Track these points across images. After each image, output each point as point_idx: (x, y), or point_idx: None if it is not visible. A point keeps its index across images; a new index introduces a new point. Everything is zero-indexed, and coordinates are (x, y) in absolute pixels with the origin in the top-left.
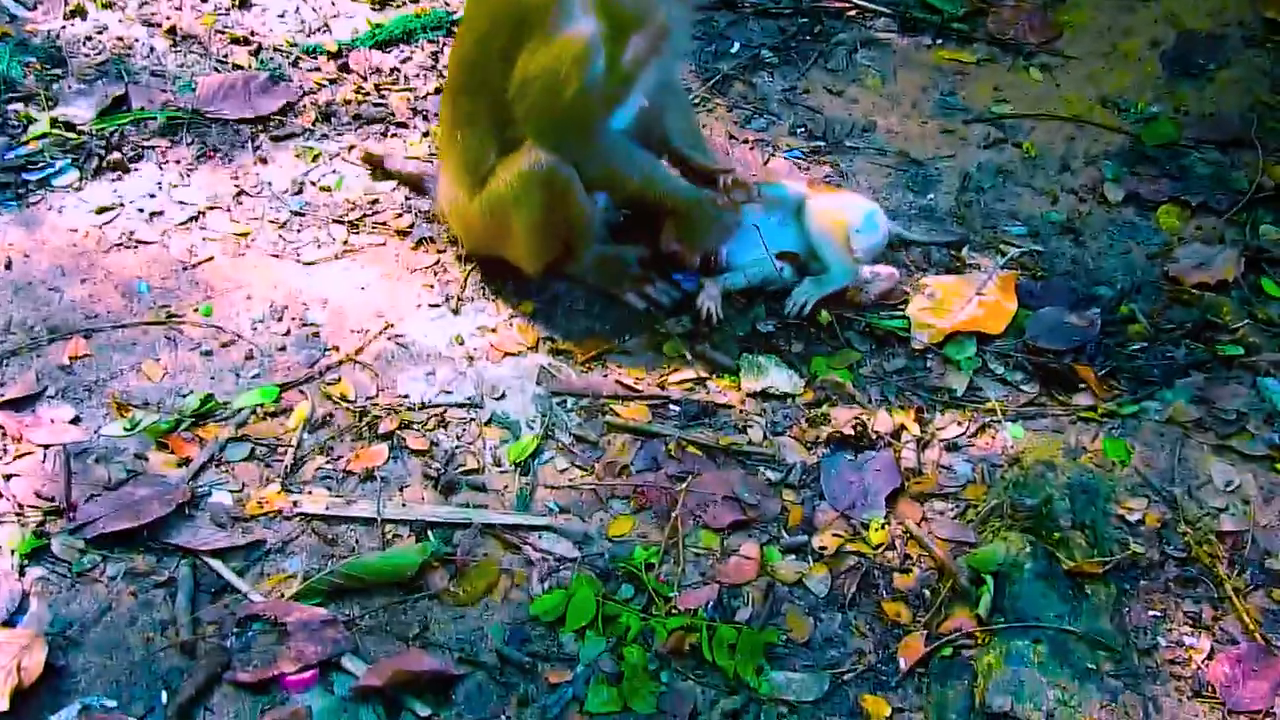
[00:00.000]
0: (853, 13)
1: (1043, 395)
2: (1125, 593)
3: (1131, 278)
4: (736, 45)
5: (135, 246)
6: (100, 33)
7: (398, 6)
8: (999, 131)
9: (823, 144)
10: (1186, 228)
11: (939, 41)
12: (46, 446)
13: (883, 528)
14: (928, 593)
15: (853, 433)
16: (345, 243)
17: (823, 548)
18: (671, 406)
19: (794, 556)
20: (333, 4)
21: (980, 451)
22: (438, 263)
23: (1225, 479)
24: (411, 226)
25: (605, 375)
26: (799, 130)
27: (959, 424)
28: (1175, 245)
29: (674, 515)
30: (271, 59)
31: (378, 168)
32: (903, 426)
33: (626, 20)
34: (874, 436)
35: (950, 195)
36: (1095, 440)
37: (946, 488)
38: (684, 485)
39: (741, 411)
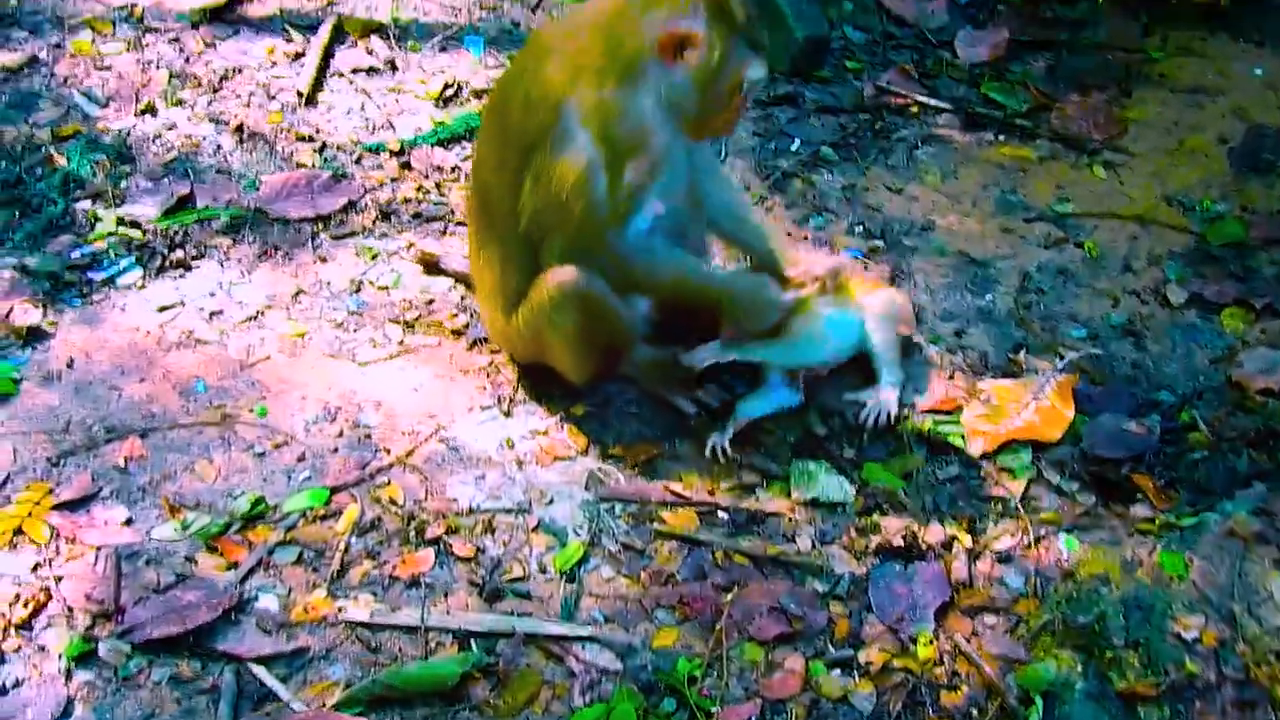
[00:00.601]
0: (914, 109)
1: (1099, 506)
2: (1179, 715)
3: (1194, 383)
4: (797, 142)
5: (194, 345)
6: (169, 130)
7: (461, 104)
8: (1060, 230)
9: (881, 243)
10: (1252, 331)
11: (1001, 138)
12: (99, 548)
13: (931, 642)
14: (975, 711)
15: (903, 543)
16: (401, 343)
17: (869, 662)
18: (720, 514)
19: (840, 671)
20: (397, 101)
21: (1033, 564)
22: (491, 364)
23: None
24: (466, 327)
25: (654, 481)
26: (857, 228)
27: (1012, 535)
28: (1240, 349)
29: (719, 627)
30: (335, 157)
31: (433, 267)
32: (954, 537)
33: (622, 147)
34: (924, 547)
35: (1010, 296)
36: (1152, 553)
37: (997, 601)
38: (730, 596)
39: (790, 520)
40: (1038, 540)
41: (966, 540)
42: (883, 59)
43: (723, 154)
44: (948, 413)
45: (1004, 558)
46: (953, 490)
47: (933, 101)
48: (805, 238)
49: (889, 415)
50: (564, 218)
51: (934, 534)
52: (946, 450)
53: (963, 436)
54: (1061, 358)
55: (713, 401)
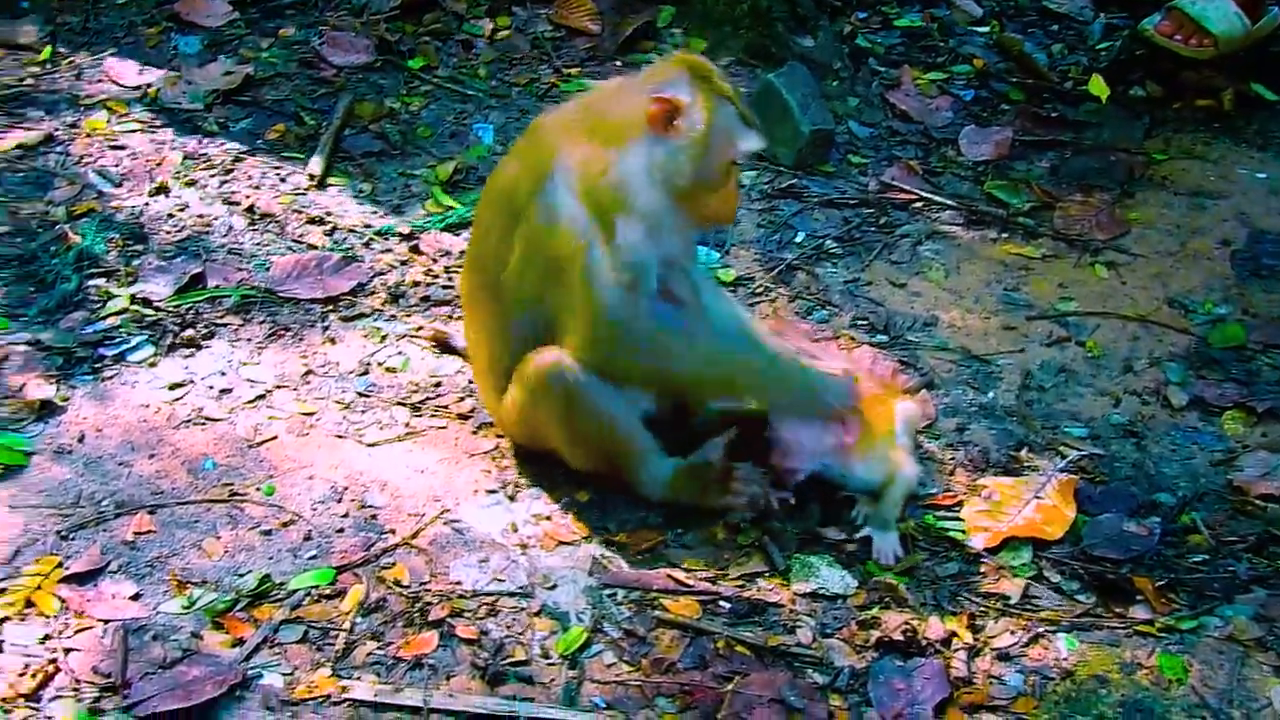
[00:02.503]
0: (919, 204)
1: (1099, 606)
2: None
3: (1194, 485)
4: (801, 235)
5: (204, 424)
6: (182, 210)
7: (469, 190)
8: (1062, 329)
9: (885, 337)
10: (1253, 435)
11: (1004, 235)
12: (106, 622)
13: None
14: None
15: (903, 638)
16: (407, 425)
17: None
18: (722, 603)
19: None
20: (407, 186)
21: (1033, 663)
22: (496, 448)
23: None
24: (472, 411)
25: (657, 568)
26: (860, 323)
27: (1012, 633)
28: (1240, 453)
29: (719, 717)
30: (345, 239)
31: (444, 345)
32: (954, 633)
33: (606, 201)
34: (925, 643)
35: (1011, 393)
36: (1151, 656)
37: (996, 700)
38: (731, 686)
39: (792, 611)
40: (1037, 639)
41: (967, 637)
42: (887, 154)
43: (726, 244)
44: (949, 508)
45: (1004, 655)
46: (953, 586)
47: (937, 198)
48: (808, 331)
49: (897, 556)
50: (563, 281)
51: (934, 630)
52: (948, 545)
53: (964, 532)
54: (1063, 457)
55: (757, 489)
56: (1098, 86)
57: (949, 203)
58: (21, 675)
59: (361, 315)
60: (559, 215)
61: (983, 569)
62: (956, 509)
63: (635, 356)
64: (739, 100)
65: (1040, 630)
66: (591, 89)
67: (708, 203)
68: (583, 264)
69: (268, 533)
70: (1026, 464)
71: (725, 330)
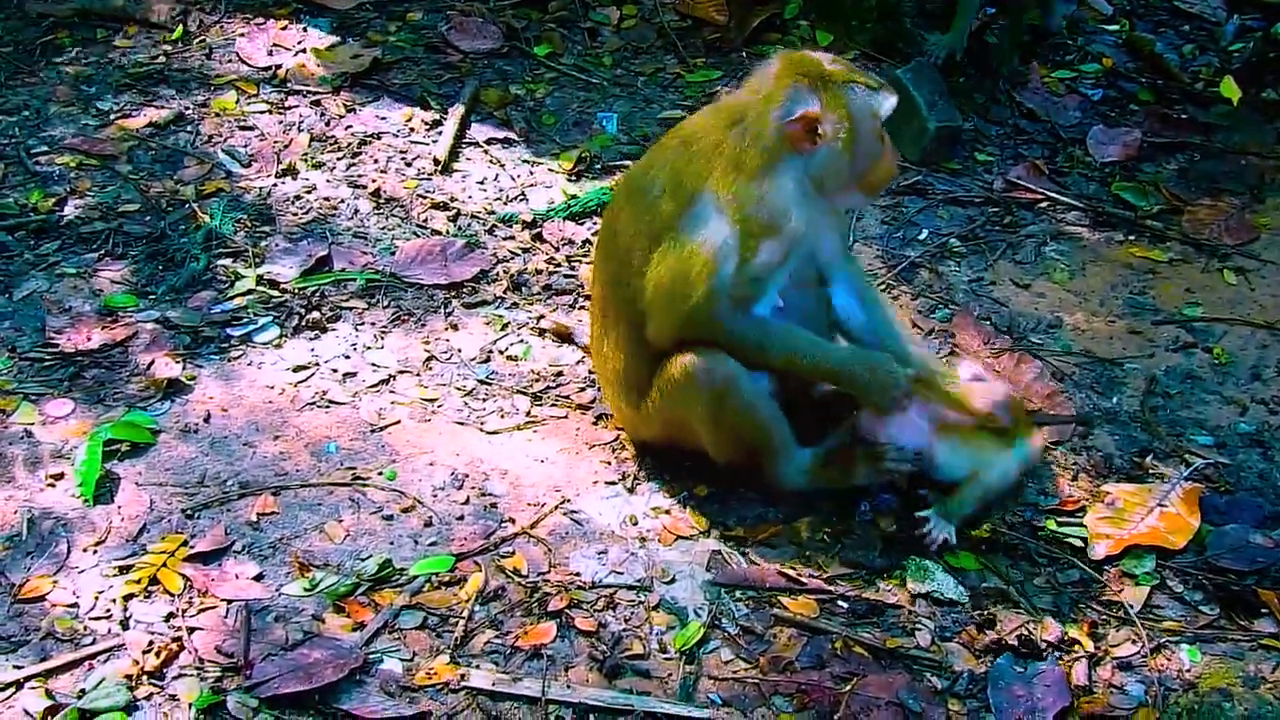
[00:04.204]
0: (1044, 204)
1: (1222, 618)
2: None
3: None
4: (925, 232)
5: (328, 407)
6: (309, 192)
7: (592, 179)
8: (1189, 335)
9: (1007, 338)
10: None
11: (1131, 238)
12: (230, 602)
13: None
14: None
15: (1022, 643)
16: (528, 414)
17: None
18: (840, 602)
19: None
20: (531, 173)
21: (1154, 673)
22: (616, 439)
23: None
24: (593, 402)
25: (775, 564)
26: (984, 322)
27: (1133, 642)
28: None
29: (836, 718)
30: (469, 225)
31: (567, 339)
32: (1075, 641)
33: (759, 228)
34: (1044, 649)
35: (1135, 399)
36: (1276, 670)
37: (1118, 709)
38: (848, 687)
39: (910, 613)
40: (1159, 649)
41: (1088, 645)
42: (1013, 153)
43: (850, 240)
44: (1070, 514)
45: (1125, 665)
46: (1074, 594)
47: (1063, 198)
48: (931, 330)
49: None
50: (684, 295)
51: (1054, 636)
52: (1068, 552)
53: (1085, 539)
54: (1188, 465)
55: (905, 467)
56: (1229, 89)
57: (1075, 203)
58: (146, 653)
59: (484, 302)
60: (703, 232)
61: (1104, 578)
62: (1079, 514)
63: (728, 350)
64: (855, 71)
65: (1163, 640)
66: (726, 104)
67: (875, 172)
68: (709, 278)
69: (389, 518)
70: (1150, 471)
71: (849, 324)
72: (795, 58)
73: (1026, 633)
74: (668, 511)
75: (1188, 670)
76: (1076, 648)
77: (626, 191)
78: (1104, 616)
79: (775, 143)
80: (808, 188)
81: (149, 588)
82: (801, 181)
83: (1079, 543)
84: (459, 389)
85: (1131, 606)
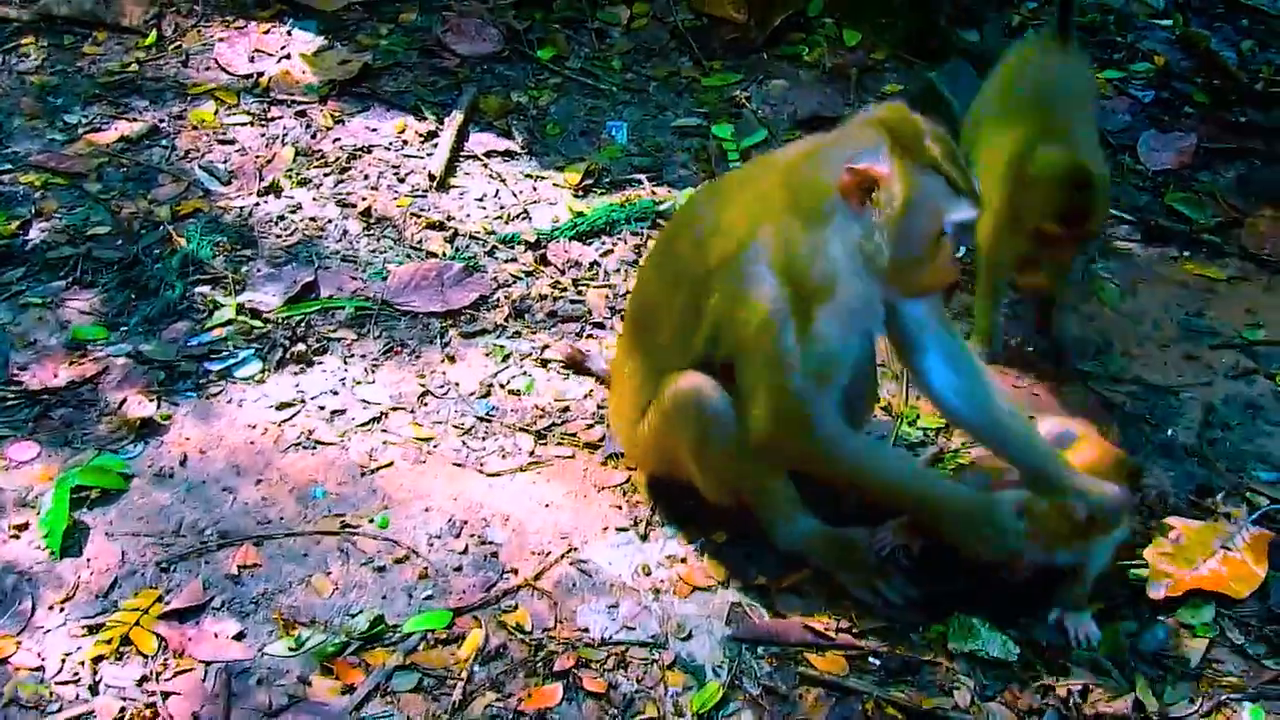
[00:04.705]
0: None
1: None
2: None
3: None
4: (962, 250)
5: (314, 447)
6: (293, 212)
7: (601, 194)
8: (1249, 360)
9: (1050, 365)
10: None
11: (1186, 254)
12: (208, 663)
13: None
14: None
15: (1073, 704)
16: (532, 454)
17: None
18: (871, 659)
19: None
20: (534, 189)
21: None
22: (628, 481)
23: None
24: (602, 440)
25: (800, 617)
26: (1028, 349)
27: (1192, 700)
28: None
29: None
30: (467, 247)
31: (578, 367)
32: (1130, 699)
33: (809, 289)
34: (1096, 710)
35: (1192, 431)
36: None
37: None
38: None
39: (949, 669)
40: (1220, 707)
41: (1145, 704)
42: None
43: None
44: (1127, 553)
45: None
46: (1128, 646)
47: (1112, 210)
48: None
49: (1094, 639)
50: (748, 353)
51: (1106, 695)
52: (1119, 599)
53: (1144, 577)
54: (1254, 507)
55: (897, 598)
56: None
57: (1125, 216)
58: None
59: (484, 331)
60: (755, 288)
61: (1162, 629)
62: (1137, 551)
63: (810, 449)
64: (952, 163)
65: (1223, 698)
66: (797, 145)
67: (915, 276)
68: (773, 345)
69: (381, 569)
70: (1216, 510)
71: (949, 404)
72: (901, 114)
73: (1082, 690)
74: (684, 560)
75: None
76: (1131, 707)
77: (674, 227)
78: (1161, 673)
79: (828, 189)
80: (855, 256)
81: (120, 648)
82: (848, 243)
83: (1135, 582)
84: (457, 427)
85: (1189, 660)
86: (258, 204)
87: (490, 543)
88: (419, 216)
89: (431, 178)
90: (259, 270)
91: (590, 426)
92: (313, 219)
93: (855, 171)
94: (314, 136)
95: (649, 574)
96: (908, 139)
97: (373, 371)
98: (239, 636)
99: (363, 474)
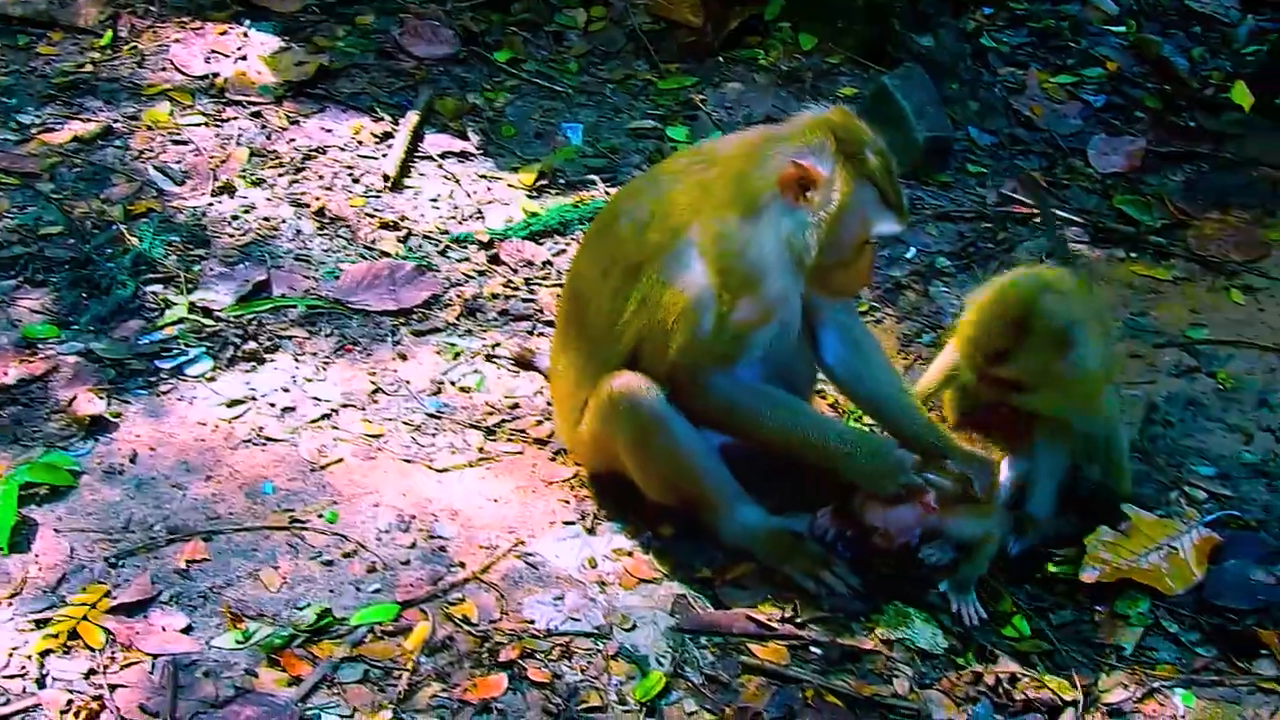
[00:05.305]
0: (1040, 219)
1: (1220, 660)
2: None
3: None
4: (912, 250)
5: (264, 444)
6: (247, 212)
7: (555, 195)
8: (1192, 358)
9: None
10: None
11: (1133, 255)
12: (155, 656)
13: None
14: None
15: (1006, 691)
16: (481, 450)
17: None
18: (812, 649)
19: None
20: (489, 189)
21: None
22: (575, 476)
23: None
24: (550, 435)
25: (743, 609)
26: None
27: (1125, 687)
28: None
29: None
30: (420, 246)
31: (527, 365)
32: (1063, 686)
33: (736, 282)
34: (1030, 696)
35: (1134, 427)
36: (1276, 715)
37: None
38: None
39: (887, 659)
40: (1152, 694)
41: (1076, 690)
42: (1008, 164)
43: None
44: (1061, 549)
45: (1116, 712)
46: (1062, 636)
47: (1061, 212)
48: (916, 357)
49: (981, 618)
50: (665, 344)
51: (1034, 682)
52: (1057, 589)
53: (1079, 563)
54: (1206, 512)
55: (841, 588)
56: (1241, 95)
57: (1074, 218)
58: (65, 713)
59: (435, 330)
60: (684, 275)
61: (1095, 618)
62: (1069, 550)
63: (716, 414)
64: (886, 177)
65: (1156, 684)
66: (742, 135)
67: (834, 277)
68: (689, 331)
69: (329, 563)
70: (1170, 505)
71: (840, 375)
72: (848, 121)
73: (1010, 678)
74: (630, 553)
75: (1182, 716)
76: (1064, 693)
77: (608, 214)
78: (1095, 660)
79: (767, 182)
80: (784, 249)
81: (68, 642)
82: (780, 237)
83: (1068, 576)
84: (407, 424)
85: (1123, 648)
86: (211, 204)
87: (438, 537)
88: (373, 216)
89: (386, 178)
90: (212, 269)
91: (539, 423)
92: (266, 219)
93: (799, 167)
94: (269, 137)
95: (595, 567)
96: (851, 146)
97: (324, 369)
98: (187, 630)
99: (312, 470)
